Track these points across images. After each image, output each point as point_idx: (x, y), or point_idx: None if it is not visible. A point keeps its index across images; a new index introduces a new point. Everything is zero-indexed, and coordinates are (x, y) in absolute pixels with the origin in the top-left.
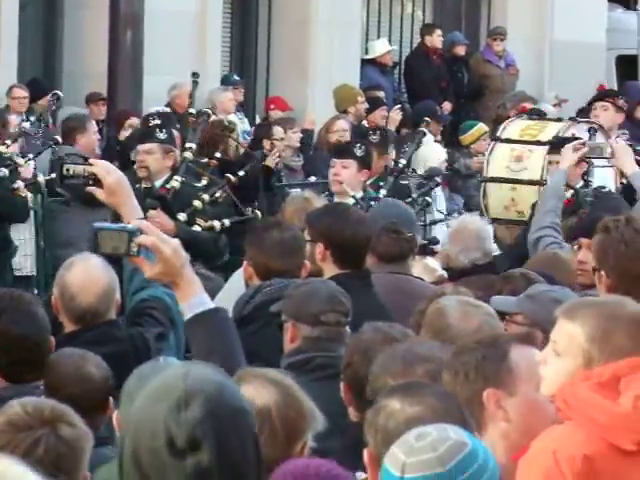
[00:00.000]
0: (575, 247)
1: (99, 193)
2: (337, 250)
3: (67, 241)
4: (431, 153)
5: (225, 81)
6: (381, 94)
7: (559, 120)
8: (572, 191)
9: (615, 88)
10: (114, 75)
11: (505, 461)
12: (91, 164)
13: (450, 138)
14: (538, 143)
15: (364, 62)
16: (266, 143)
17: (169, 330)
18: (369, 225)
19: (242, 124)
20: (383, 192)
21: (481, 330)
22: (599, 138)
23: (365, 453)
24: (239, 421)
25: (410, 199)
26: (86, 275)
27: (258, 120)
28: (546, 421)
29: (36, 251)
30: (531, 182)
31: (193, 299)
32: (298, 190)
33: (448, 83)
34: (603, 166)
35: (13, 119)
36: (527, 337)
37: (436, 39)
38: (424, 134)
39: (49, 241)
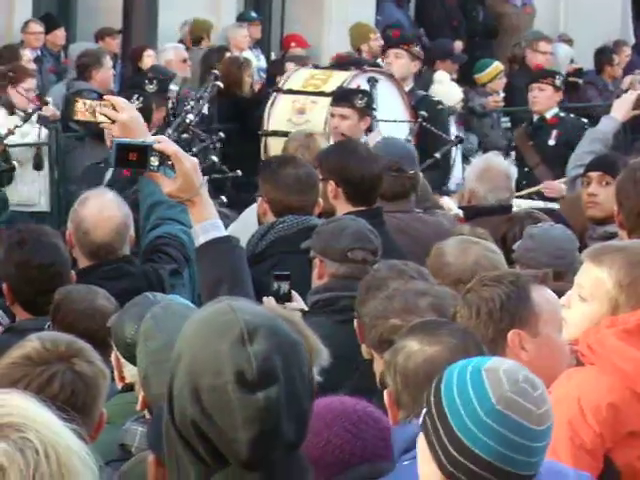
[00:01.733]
0: (585, 182)
1: (113, 129)
2: (349, 187)
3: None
4: (447, 92)
5: (241, 18)
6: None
7: (345, 69)
8: None
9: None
10: (129, 10)
11: None
12: (105, 100)
13: (464, 77)
14: (321, 94)
15: None
16: (280, 79)
17: (184, 267)
18: (379, 162)
19: (258, 61)
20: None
21: (478, 264)
22: (382, 88)
23: (385, 394)
24: (298, 353)
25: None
26: (100, 210)
27: (273, 57)
28: (562, 364)
29: (50, 187)
30: None
31: (207, 222)
32: None
33: (459, 22)
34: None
35: (27, 54)
36: (542, 278)
37: None
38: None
39: (63, 177)
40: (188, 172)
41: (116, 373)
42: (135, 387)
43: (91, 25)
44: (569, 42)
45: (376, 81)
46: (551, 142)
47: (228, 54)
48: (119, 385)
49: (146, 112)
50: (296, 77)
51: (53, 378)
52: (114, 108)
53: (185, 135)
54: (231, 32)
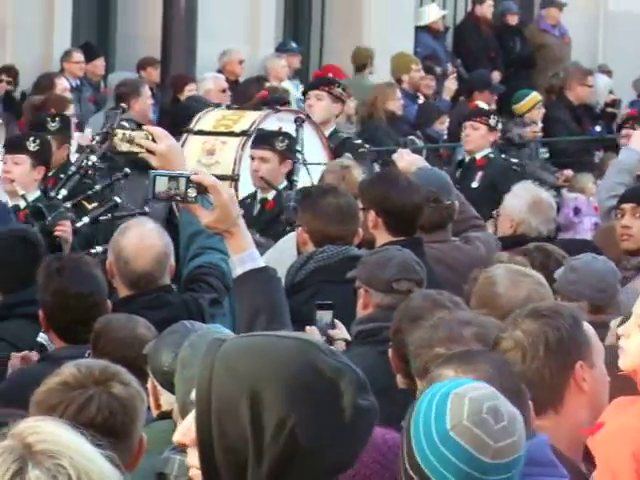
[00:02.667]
0: (619, 215)
1: (153, 160)
2: (389, 217)
3: (121, 207)
4: None
5: (280, 48)
6: (437, 66)
7: (258, 109)
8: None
9: None
10: (168, 40)
11: (577, 434)
12: (144, 130)
13: (503, 107)
14: (231, 134)
15: (417, 28)
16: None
17: (224, 296)
18: (420, 192)
19: (296, 91)
20: None
21: (530, 299)
22: (307, 129)
23: None
24: None
25: None
26: (141, 240)
27: None
28: (606, 394)
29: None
30: (222, 177)
31: (245, 253)
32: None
33: (497, 53)
34: (318, 163)
35: (63, 83)
36: (581, 310)
37: (486, 9)
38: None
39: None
40: (226, 203)
41: (152, 401)
42: (172, 415)
43: (130, 54)
44: (608, 73)
45: (303, 121)
46: (474, 184)
47: (267, 84)
48: (155, 413)
49: (44, 154)
50: (207, 118)
51: (89, 401)
52: (153, 138)
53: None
54: (270, 62)
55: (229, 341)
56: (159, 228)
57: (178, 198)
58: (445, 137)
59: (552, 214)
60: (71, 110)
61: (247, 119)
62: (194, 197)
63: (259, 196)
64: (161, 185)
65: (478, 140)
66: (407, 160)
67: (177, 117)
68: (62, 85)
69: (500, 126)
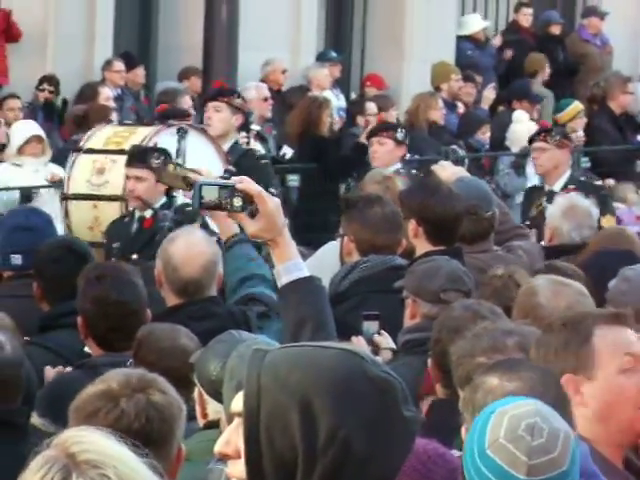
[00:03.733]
0: None
1: (248, 224)
2: (429, 226)
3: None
4: (525, 131)
5: (322, 57)
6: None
7: (151, 124)
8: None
9: None
10: (209, 49)
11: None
12: (233, 185)
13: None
14: (122, 152)
15: (458, 38)
16: (360, 119)
17: (273, 312)
18: (461, 201)
19: (338, 100)
20: None
21: (571, 309)
22: (193, 141)
23: (463, 430)
24: None
25: None
26: (189, 247)
27: (353, 97)
28: (627, 404)
29: None
30: (112, 198)
31: (290, 262)
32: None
33: None
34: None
35: (106, 92)
36: (616, 316)
37: (522, 17)
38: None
39: None
40: (271, 212)
41: (199, 410)
42: (220, 425)
43: (171, 64)
44: None
45: (185, 132)
46: None
47: (309, 94)
48: (201, 422)
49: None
50: (98, 135)
51: (127, 409)
52: (250, 197)
53: None
54: (312, 72)
55: (274, 351)
56: (208, 237)
57: (224, 208)
58: (487, 147)
59: (588, 221)
60: (114, 119)
61: (138, 135)
62: (240, 206)
63: (137, 214)
64: (207, 195)
65: (385, 156)
66: (448, 171)
67: None
68: (105, 94)
69: (408, 140)
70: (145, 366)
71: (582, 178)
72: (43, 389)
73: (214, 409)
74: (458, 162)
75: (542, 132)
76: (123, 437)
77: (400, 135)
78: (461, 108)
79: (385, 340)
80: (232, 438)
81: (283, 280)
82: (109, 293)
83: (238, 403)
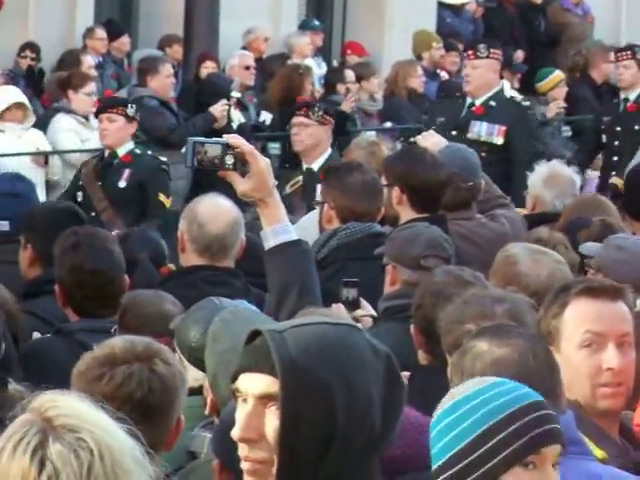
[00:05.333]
0: None
1: (239, 182)
2: (413, 194)
3: None
4: None
5: (304, 26)
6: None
7: None
8: None
9: None
10: (191, 17)
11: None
12: (226, 142)
13: (526, 86)
14: None
15: (439, 4)
16: (340, 87)
17: None
18: (444, 168)
19: (319, 69)
20: None
21: (553, 277)
22: None
23: None
24: None
25: None
26: (216, 205)
27: (335, 65)
28: (585, 381)
29: None
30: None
31: (278, 225)
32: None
33: (521, 32)
34: None
35: (88, 60)
36: (600, 289)
37: None
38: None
39: None
40: (262, 171)
41: None
42: (203, 391)
43: (152, 32)
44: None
45: None
46: (121, 184)
47: (289, 61)
48: None
49: None
50: None
51: (130, 376)
52: (242, 155)
53: None
54: (294, 40)
55: (291, 331)
56: (232, 202)
57: (217, 165)
58: None
59: (570, 189)
60: (93, 87)
61: None
62: (232, 164)
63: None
64: (198, 152)
65: (116, 133)
66: (431, 142)
67: (200, 94)
68: (88, 62)
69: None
70: (129, 332)
71: None
72: (19, 355)
73: (194, 376)
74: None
75: (304, 106)
76: (121, 403)
77: (131, 111)
78: (445, 77)
79: (365, 307)
80: (253, 422)
81: (271, 243)
82: (84, 262)
83: (257, 385)
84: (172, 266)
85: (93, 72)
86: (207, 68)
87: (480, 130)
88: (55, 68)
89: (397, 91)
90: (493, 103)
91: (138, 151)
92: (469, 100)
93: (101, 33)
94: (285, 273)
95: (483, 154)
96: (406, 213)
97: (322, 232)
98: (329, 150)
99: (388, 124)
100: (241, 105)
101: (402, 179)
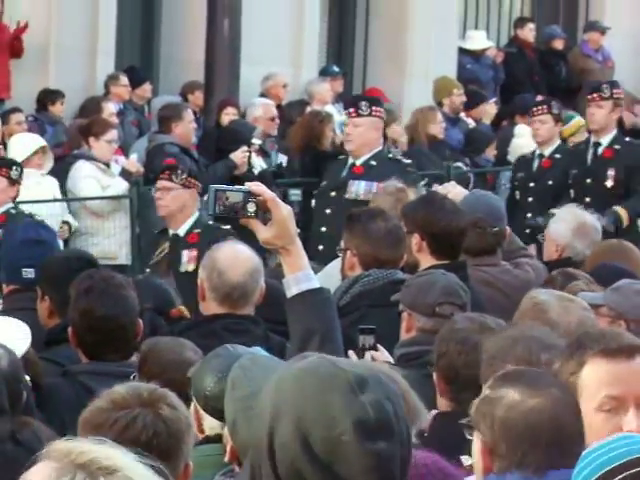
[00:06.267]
0: None
1: (261, 230)
2: (433, 241)
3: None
4: (528, 146)
5: (324, 72)
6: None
7: None
8: None
9: None
10: (212, 64)
11: None
12: (248, 190)
13: None
14: None
15: (460, 50)
16: None
17: None
18: (464, 215)
19: (340, 116)
20: None
21: (583, 324)
22: None
23: (478, 442)
24: (401, 403)
25: None
26: (235, 253)
27: None
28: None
29: (131, 240)
30: None
31: (300, 272)
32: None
33: (541, 77)
34: None
35: (110, 107)
36: (618, 350)
37: (528, 33)
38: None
39: (143, 229)
40: (284, 219)
41: (195, 425)
42: (222, 439)
43: (173, 79)
44: None
45: None
46: None
47: (309, 108)
48: (199, 436)
49: None
50: None
51: (135, 420)
52: (264, 203)
53: None
54: (314, 86)
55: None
56: (251, 249)
57: (238, 213)
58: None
59: (597, 237)
60: (114, 134)
61: None
62: (254, 212)
63: None
64: (220, 200)
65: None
66: (453, 193)
67: (221, 141)
68: (109, 110)
69: None
70: (150, 379)
71: (210, 222)
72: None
73: (209, 425)
74: (461, 178)
75: (167, 169)
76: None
77: (14, 174)
78: (471, 123)
79: (381, 354)
80: None
81: (293, 290)
82: (95, 307)
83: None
84: (183, 308)
85: (114, 119)
86: (228, 115)
87: (358, 189)
88: (77, 115)
89: (417, 138)
90: (374, 162)
91: (13, 211)
92: (350, 160)
93: (124, 80)
94: (307, 321)
95: None
96: (426, 260)
97: (344, 279)
98: (196, 214)
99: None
100: (263, 152)
101: (422, 226)
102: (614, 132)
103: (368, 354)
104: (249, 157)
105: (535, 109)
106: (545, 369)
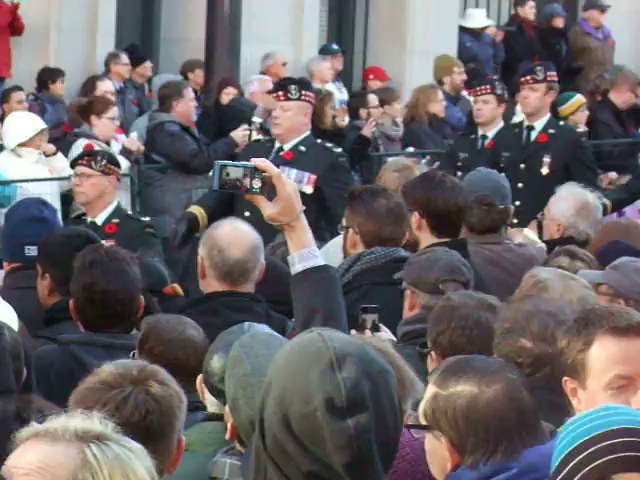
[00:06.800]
0: None
1: (266, 206)
2: (433, 219)
3: (163, 208)
4: None
5: (324, 51)
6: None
7: None
8: None
9: None
10: (212, 43)
11: None
12: (254, 165)
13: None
14: None
15: (460, 28)
16: (363, 112)
17: None
18: (464, 193)
19: (340, 94)
20: None
21: (585, 303)
22: None
23: (441, 441)
24: (388, 381)
25: None
26: (235, 230)
27: (359, 90)
28: None
29: None
30: None
31: (305, 249)
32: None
33: (541, 55)
34: None
35: (107, 84)
36: (627, 328)
37: (528, 11)
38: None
39: (144, 208)
40: (290, 195)
41: (201, 397)
42: (224, 416)
43: (173, 57)
44: None
45: None
46: None
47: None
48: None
49: None
50: None
51: (127, 399)
52: (269, 179)
53: None
54: (315, 65)
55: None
56: (250, 226)
57: (244, 189)
58: None
59: (599, 216)
60: (115, 112)
61: None
62: (259, 188)
63: None
64: (227, 175)
65: None
66: None
67: (222, 120)
68: (103, 87)
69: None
70: (152, 358)
71: (129, 212)
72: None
73: (210, 400)
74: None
75: (85, 155)
76: (119, 428)
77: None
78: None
79: (384, 333)
80: None
81: (297, 267)
82: (97, 281)
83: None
84: (176, 286)
85: (111, 97)
86: (229, 94)
87: (289, 177)
88: (80, 94)
89: (418, 116)
90: (303, 148)
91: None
92: (277, 144)
93: (125, 58)
94: (311, 298)
95: None
96: (426, 238)
97: (346, 257)
98: (115, 202)
99: (411, 149)
100: (264, 130)
101: (421, 204)
102: (547, 116)
103: (368, 332)
104: (250, 135)
105: (478, 88)
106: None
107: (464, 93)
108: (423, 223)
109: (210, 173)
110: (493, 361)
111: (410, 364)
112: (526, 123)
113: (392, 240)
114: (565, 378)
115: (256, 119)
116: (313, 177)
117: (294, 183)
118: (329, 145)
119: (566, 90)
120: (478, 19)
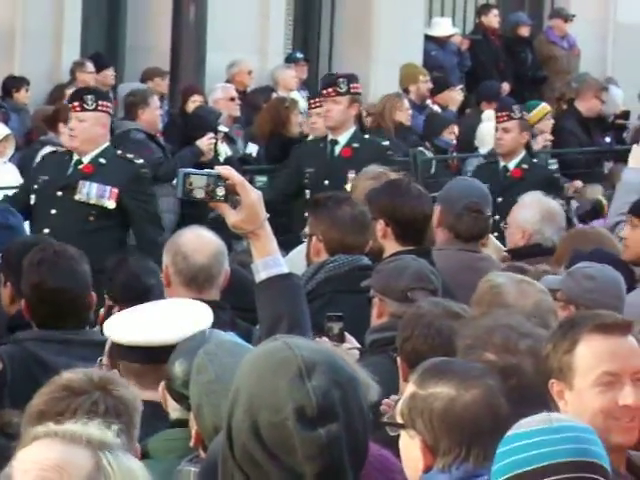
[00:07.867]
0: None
1: (230, 214)
2: (397, 227)
3: None
4: (493, 132)
5: (289, 59)
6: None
7: None
8: None
9: None
10: (177, 51)
11: None
12: (220, 174)
13: None
14: None
15: (425, 37)
16: None
17: None
18: (429, 201)
19: (305, 102)
20: None
21: (539, 308)
22: None
23: (415, 440)
24: (356, 389)
25: None
26: (199, 237)
27: None
28: (598, 416)
29: None
30: None
31: (269, 257)
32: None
33: (506, 64)
34: None
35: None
36: (612, 325)
37: (492, 19)
38: None
39: None
40: (254, 203)
41: (164, 404)
42: (188, 423)
43: (139, 65)
44: (615, 85)
45: None
46: None
47: (274, 94)
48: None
49: None
50: None
51: (97, 404)
52: (233, 187)
53: None
54: (280, 73)
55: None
56: (213, 233)
57: (208, 197)
58: (453, 146)
59: (563, 223)
60: None
61: None
62: (223, 196)
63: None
64: (191, 184)
65: None
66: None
67: (187, 128)
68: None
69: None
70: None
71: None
72: None
73: (172, 406)
74: (425, 164)
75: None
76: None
77: None
78: (438, 110)
79: (349, 341)
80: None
81: (262, 275)
82: (46, 279)
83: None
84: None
85: None
86: (195, 102)
87: (90, 191)
88: (45, 102)
89: (384, 124)
90: (103, 160)
91: None
92: (75, 157)
93: (90, 66)
94: (275, 306)
95: (91, 218)
96: (390, 246)
97: (309, 265)
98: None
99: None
100: (228, 138)
101: (387, 212)
102: (352, 129)
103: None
104: (215, 144)
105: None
106: (527, 359)
107: (429, 101)
108: (388, 231)
109: (174, 181)
110: (474, 366)
111: (378, 372)
112: (330, 137)
113: (356, 248)
114: (551, 381)
115: (222, 128)
116: (115, 191)
117: (258, 191)
118: (130, 156)
119: (531, 99)
120: (444, 27)
